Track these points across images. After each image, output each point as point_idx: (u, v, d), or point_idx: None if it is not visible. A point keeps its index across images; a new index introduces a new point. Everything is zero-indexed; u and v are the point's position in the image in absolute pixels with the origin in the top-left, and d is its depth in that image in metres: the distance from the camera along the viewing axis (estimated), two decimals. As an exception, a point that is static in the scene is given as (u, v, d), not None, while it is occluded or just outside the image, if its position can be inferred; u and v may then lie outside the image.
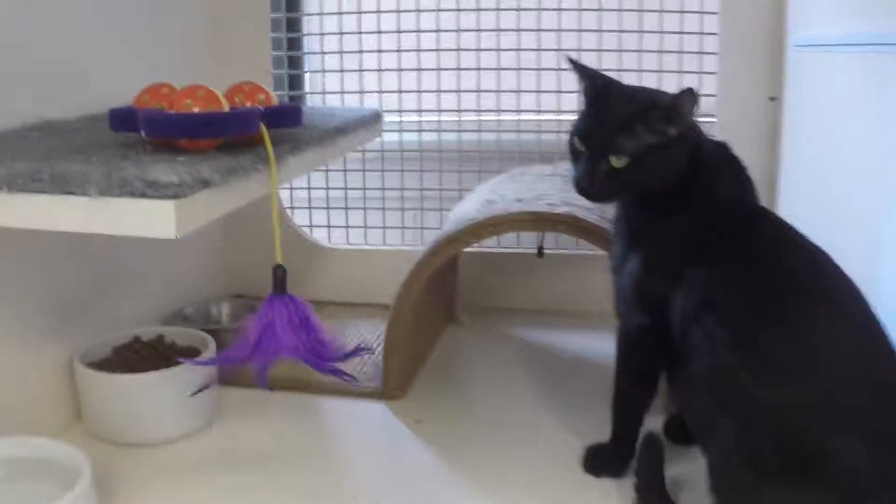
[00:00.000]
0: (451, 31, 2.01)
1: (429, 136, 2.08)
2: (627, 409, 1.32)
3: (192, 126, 1.12)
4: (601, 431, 1.36)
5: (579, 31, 1.95)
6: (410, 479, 1.34)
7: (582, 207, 1.55)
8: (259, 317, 1.14)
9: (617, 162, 1.18)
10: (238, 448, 1.43)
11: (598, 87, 1.25)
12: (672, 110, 1.17)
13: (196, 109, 1.14)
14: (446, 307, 1.99)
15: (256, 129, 1.16)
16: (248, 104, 1.27)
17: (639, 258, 1.24)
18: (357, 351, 1.25)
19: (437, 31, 2.01)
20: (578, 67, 1.27)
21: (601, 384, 1.61)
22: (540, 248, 1.81)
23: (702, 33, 1.90)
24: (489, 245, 2.04)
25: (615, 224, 1.33)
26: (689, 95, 1.16)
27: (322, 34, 2.10)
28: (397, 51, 2.03)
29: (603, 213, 1.56)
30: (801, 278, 1.12)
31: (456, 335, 1.94)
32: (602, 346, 1.83)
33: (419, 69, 2.04)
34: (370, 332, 1.90)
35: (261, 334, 1.13)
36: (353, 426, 1.52)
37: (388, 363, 1.57)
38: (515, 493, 1.30)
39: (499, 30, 2.00)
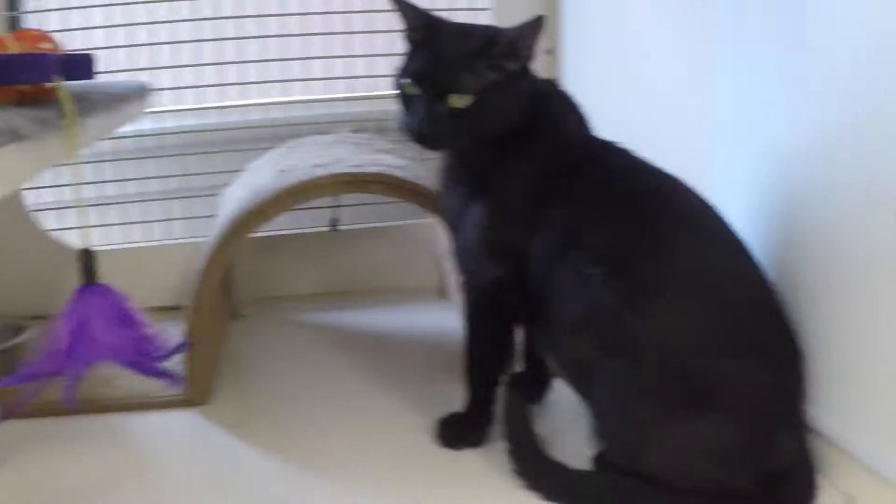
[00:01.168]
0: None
1: (189, 120, 1.85)
2: (485, 371, 1.22)
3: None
4: (434, 405, 1.28)
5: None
6: (249, 491, 1.15)
7: (392, 167, 1.43)
8: (68, 315, 0.92)
9: (458, 101, 1.08)
10: (35, 488, 1.16)
11: (425, 24, 1.14)
12: (516, 43, 1.09)
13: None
14: (227, 300, 1.78)
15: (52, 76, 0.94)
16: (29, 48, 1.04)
17: (484, 205, 1.14)
18: (182, 346, 1.05)
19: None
20: (401, 4, 1.15)
21: (411, 358, 1.56)
22: (334, 222, 1.67)
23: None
24: (268, 228, 1.84)
25: (446, 174, 1.22)
26: (535, 27, 1.08)
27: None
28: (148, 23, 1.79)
29: (415, 173, 1.45)
30: (666, 204, 1.07)
31: (243, 330, 1.73)
32: (406, 320, 1.75)
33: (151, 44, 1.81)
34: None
35: (73, 337, 0.91)
36: (167, 442, 1.29)
37: (192, 366, 1.36)
38: (374, 483, 1.16)
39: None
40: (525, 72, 1.13)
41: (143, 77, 1.73)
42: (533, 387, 1.32)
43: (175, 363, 1.27)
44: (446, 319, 1.72)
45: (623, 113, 1.45)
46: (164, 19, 1.79)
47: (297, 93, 1.89)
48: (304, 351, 1.62)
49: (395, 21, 1.16)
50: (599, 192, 1.09)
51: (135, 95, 1.43)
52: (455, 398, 1.26)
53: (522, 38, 1.09)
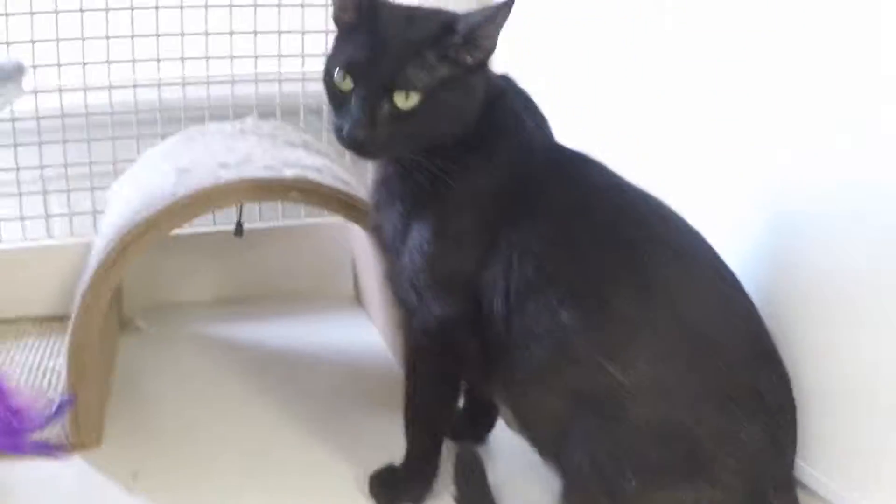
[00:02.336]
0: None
1: (72, 100, 1.58)
2: (430, 424, 1.05)
3: None
4: (362, 446, 1.14)
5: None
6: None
7: (310, 168, 1.25)
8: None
9: (404, 101, 0.90)
10: None
11: (362, 6, 0.95)
12: (476, 32, 0.92)
13: None
14: (116, 310, 1.56)
15: None
16: None
17: (428, 226, 0.97)
18: (63, 407, 0.85)
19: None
20: None
21: (332, 382, 1.38)
22: (238, 225, 1.47)
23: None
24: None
25: (380, 186, 1.04)
26: (501, 14, 0.91)
27: None
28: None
29: (336, 175, 1.27)
30: (646, 228, 0.92)
31: (136, 347, 1.51)
32: (322, 333, 1.57)
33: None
34: (28, 356, 1.43)
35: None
36: (50, 498, 1.07)
37: (77, 403, 1.14)
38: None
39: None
40: (483, 67, 0.96)
41: (15, 51, 1.50)
42: (476, 425, 1.17)
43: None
44: (365, 332, 1.55)
45: (585, 116, 1.30)
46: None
47: (195, 70, 1.65)
48: (207, 372, 1.42)
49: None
50: (568, 213, 0.93)
51: (10, 76, 1.21)
52: (385, 436, 1.10)
53: (484, 27, 0.91)
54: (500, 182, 0.96)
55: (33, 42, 1.52)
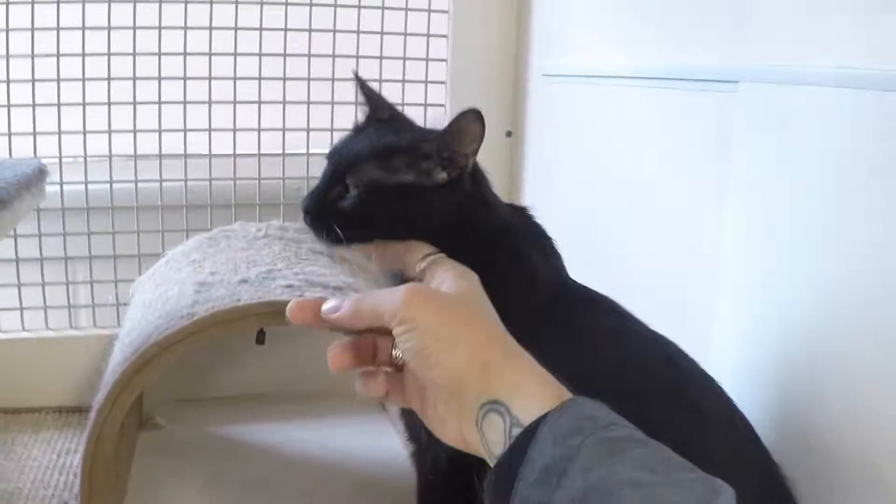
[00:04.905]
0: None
1: (96, 186, 1.59)
2: None
3: None
4: None
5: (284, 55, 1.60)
6: None
7: (330, 287, 1.22)
8: None
9: (352, 187, 0.87)
10: None
11: (377, 114, 0.95)
12: (450, 145, 0.87)
13: None
14: (135, 406, 1.54)
15: None
16: None
17: None
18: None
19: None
20: (364, 87, 0.96)
21: (357, 488, 1.35)
22: (260, 333, 1.44)
23: (428, 59, 1.64)
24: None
25: None
26: (467, 123, 0.85)
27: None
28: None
29: (356, 291, 1.24)
30: (658, 386, 0.88)
31: (155, 445, 1.48)
32: (351, 436, 1.54)
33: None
34: (46, 452, 1.42)
35: None
36: None
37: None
38: None
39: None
40: (456, 186, 0.90)
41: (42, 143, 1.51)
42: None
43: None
44: (387, 438, 1.52)
45: (597, 233, 1.28)
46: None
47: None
48: (226, 475, 1.39)
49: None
50: (574, 353, 0.86)
51: (33, 182, 1.21)
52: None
53: (450, 138, 0.87)
54: (510, 322, 0.91)
55: (60, 133, 1.53)
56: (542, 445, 0.59)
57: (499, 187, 1.10)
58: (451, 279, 0.73)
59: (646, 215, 1.27)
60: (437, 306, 0.69)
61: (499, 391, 0.65)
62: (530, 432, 0.60)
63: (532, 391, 0.64)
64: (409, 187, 0.88)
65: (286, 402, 1.65)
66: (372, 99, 0.96)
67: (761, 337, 1.03)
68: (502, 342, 0.70)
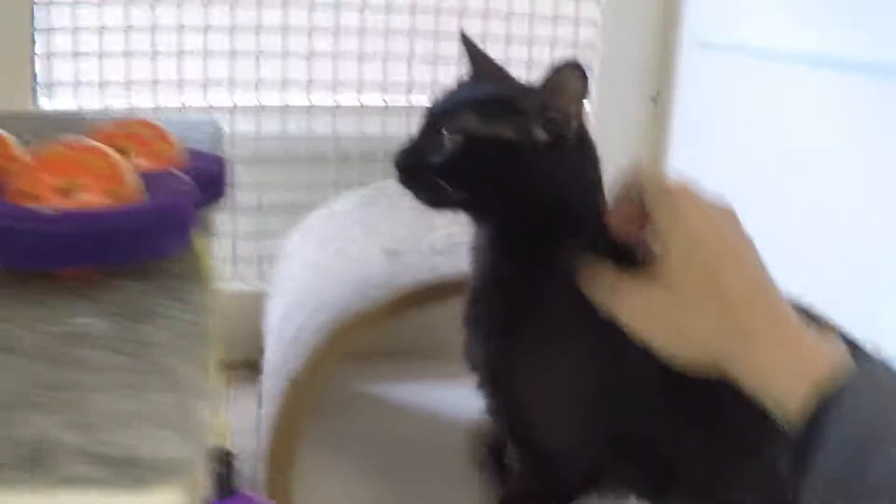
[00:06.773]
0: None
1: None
2: None
3: (86, 244, 0.54)
4: None
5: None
6: None
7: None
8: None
9: (448, 139, 0.83)
10: None
11: (481, 70, 0.92)
12: (547, 101, 0.82)
13: (87, 197, 0.56)
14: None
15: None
16: (145, 165, 0.67)
17: (575, 354, 0.88)
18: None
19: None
20: (469, 45, 0.93)
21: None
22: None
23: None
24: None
25: (477, 300, 0.95)
26: (567, 79, 0.81)
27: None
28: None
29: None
30: None
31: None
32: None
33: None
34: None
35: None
36: None
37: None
38: None
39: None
40: (558, 148, 0.84)
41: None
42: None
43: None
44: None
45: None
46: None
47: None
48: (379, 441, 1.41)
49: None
50: None
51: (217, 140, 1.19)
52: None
53: (548, 94, 0.82)
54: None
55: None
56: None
57: (641, 152, 1.09)
58: None
59: (819, 204, 1.28)
60: None
61: None
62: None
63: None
64: (507, 143, 0.83)
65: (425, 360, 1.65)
66: (477, 57, 0.93)
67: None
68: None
